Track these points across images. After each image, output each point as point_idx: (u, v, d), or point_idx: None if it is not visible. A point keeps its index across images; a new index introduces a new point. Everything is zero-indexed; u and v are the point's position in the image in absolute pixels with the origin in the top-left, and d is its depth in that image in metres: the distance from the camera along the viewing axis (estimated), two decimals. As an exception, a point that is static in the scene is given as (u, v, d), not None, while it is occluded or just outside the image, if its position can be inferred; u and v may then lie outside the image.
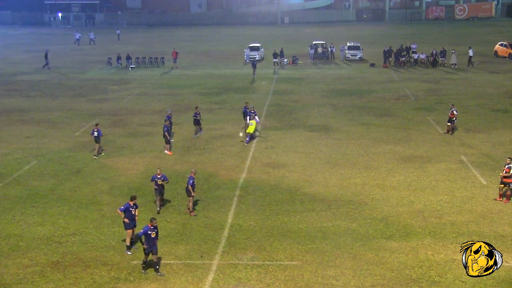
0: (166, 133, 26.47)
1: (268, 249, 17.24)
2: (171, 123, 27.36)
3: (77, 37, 74.17)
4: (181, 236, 18.11)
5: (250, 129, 28.34)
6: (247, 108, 29.57)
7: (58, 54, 64.99)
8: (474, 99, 37.65)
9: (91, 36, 75.18)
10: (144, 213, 19.76)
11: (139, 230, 18.20)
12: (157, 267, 15.94)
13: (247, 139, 28.29)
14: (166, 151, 26.67)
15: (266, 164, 25.11)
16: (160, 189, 20.14)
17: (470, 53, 51.33)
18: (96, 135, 26.07)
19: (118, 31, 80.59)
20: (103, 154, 26.70)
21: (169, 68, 53.31)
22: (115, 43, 74.72)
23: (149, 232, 15.80)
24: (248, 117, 28.88)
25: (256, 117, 28.86)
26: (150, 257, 15.99)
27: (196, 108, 30.16)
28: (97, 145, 26.39)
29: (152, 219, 16.07)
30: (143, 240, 15.83)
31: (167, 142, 26.76)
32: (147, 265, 16.04)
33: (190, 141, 28.90)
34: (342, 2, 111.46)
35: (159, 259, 16.30)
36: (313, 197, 21.23)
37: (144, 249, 15.88)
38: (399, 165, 24.76)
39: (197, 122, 29.58)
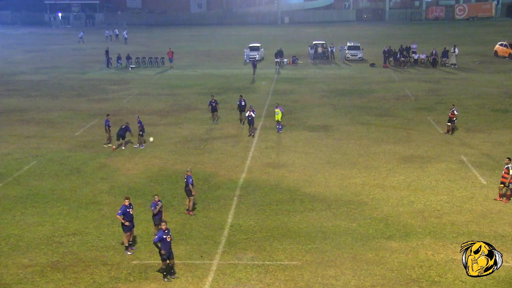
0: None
1: (268, 249, 17.24)
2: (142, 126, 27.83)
3: (116, 33, 79.92)
4: (181, 236, 18.08)
5: (278, 117, 29.62)
6: (242, 101, 31.50)
7: (58, 54, 65.08)
8: (474, 99, 37.62)
9: (124, 35, 76.40)
10: (144, 213, 19.77)
11: (137, 229, 18.29)
12: (172, 271, 15.69)
13: (279, 127, 29.84)
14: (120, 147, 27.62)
15: (266, 164, 25.11)
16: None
17: (456, 51, 51.38)
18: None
19: (116, 31, 79.00)
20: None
21: (167, 68, 53.32)
22: (115, 43, 74.65)
23: (164, 236, 15.35)
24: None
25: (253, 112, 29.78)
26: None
27: (212, 96, 32.87)
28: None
29: (162, 223, 15.61)
30: (160, 246, 15.36)
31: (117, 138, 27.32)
32: (167, 271, 15.61)
33: (190, 141, 28.92)
34: (342, 2, 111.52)
35: (174, 263, 15.92)
36: (313, 197, 21.22)
37: (162, 255, 15.36)
38: (399, 165, 24.75)
39: (214, 109, 31.77)
